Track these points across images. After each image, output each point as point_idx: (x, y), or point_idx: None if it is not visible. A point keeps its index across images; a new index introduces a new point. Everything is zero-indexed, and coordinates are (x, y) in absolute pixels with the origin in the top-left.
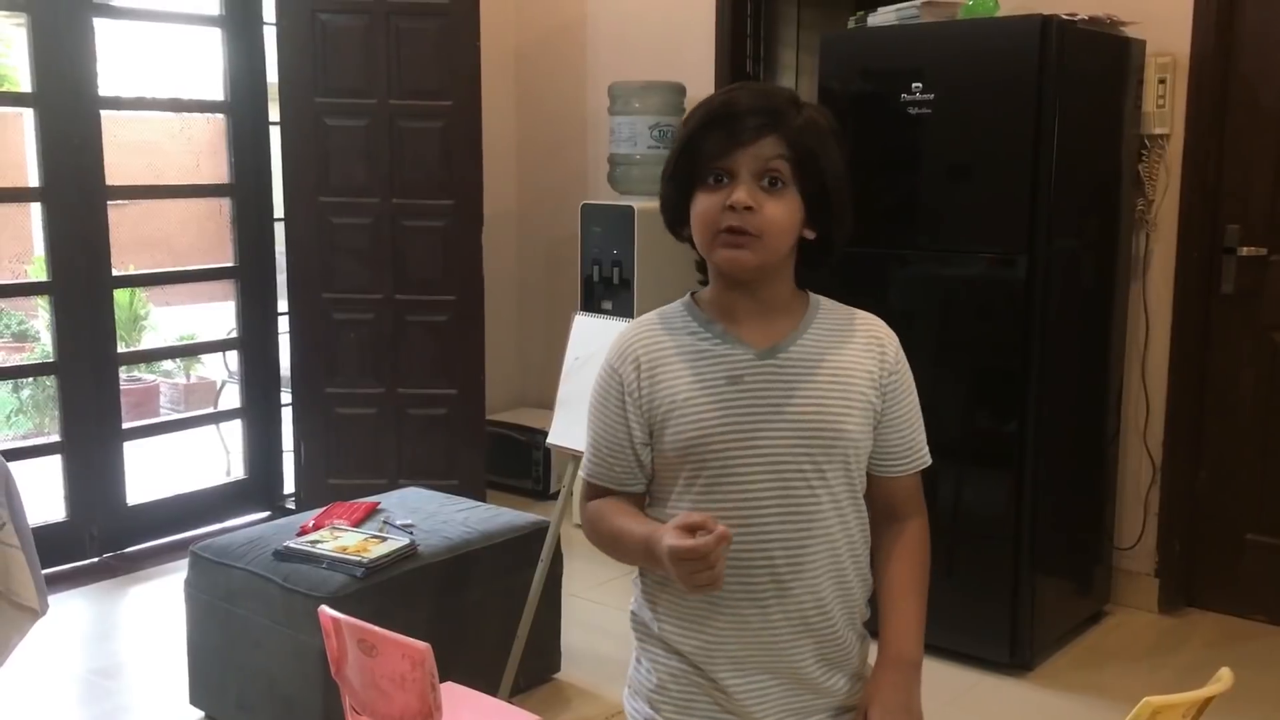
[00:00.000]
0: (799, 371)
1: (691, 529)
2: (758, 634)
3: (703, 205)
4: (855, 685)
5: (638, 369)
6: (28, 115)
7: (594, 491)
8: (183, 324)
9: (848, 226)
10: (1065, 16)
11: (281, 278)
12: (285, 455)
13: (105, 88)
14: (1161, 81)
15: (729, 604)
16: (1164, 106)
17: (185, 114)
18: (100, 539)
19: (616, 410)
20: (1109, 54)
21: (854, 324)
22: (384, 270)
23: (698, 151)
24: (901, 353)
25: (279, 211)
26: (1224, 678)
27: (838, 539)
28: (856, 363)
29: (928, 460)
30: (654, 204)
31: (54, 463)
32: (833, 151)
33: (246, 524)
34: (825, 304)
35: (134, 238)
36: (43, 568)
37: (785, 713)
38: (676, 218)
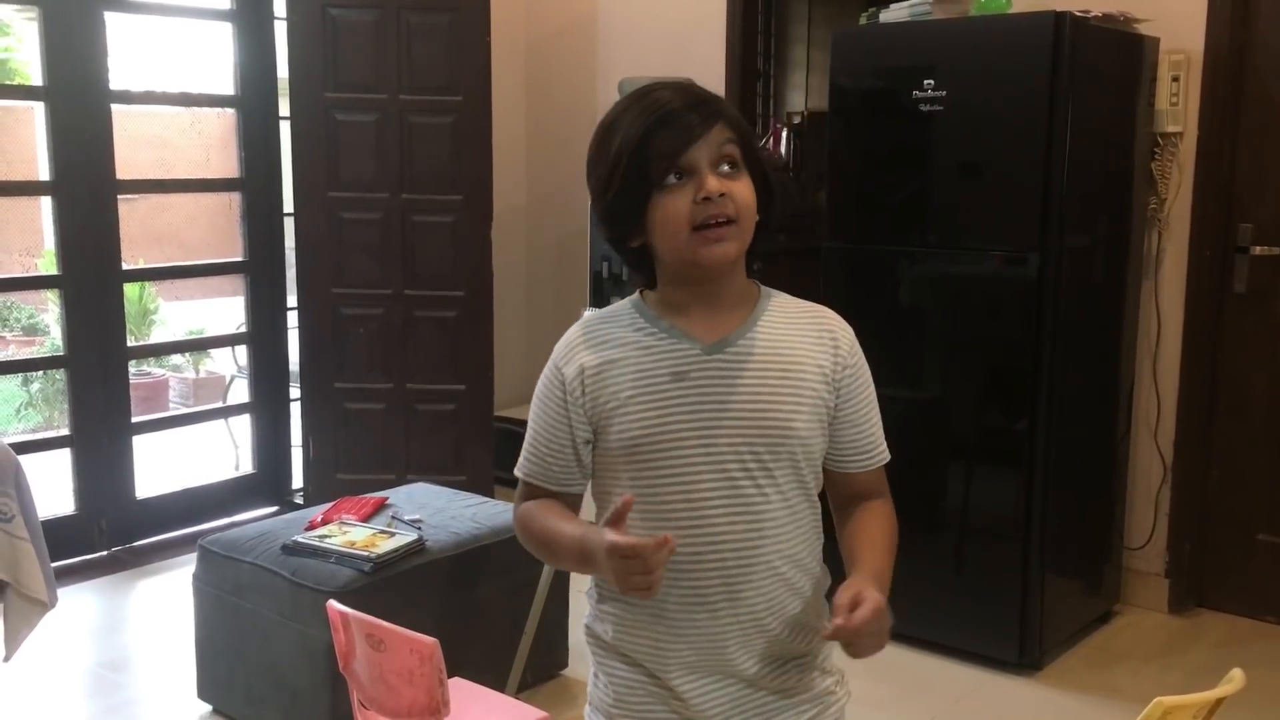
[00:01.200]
0: (747, 366)
1: (622, 516)
2: (710, 638)
3: (669, 206)
4: (817, 679)
5: (581, 368)
6: (38, 109)
7: (530, 492)
8: (192, 319)
9: (779, 209)
10: (1078, 13)
11: (291, 273)
12: (294, 450)
13: (116, 82)
14: (1175, 79)
15: (679, 608)
16: (1177, 104)
17: (196, 108)
18: (109, 532)
19: (558, 409)
20: (1122, 51)
21: (806, 316)
22: (393, 265)
23: (648, 156)
24: (856, 346)
25: (289, 206)
26: (1235, 678)
27: (789, 539)
28: (808, 357)
29: (887, 456)
30: None
31: (63, 456)
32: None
33: (255, 518)
34: (777, 296)
35: (144, 232)
36: (52, 561)
37: (744, 713)
38: (627, 231)
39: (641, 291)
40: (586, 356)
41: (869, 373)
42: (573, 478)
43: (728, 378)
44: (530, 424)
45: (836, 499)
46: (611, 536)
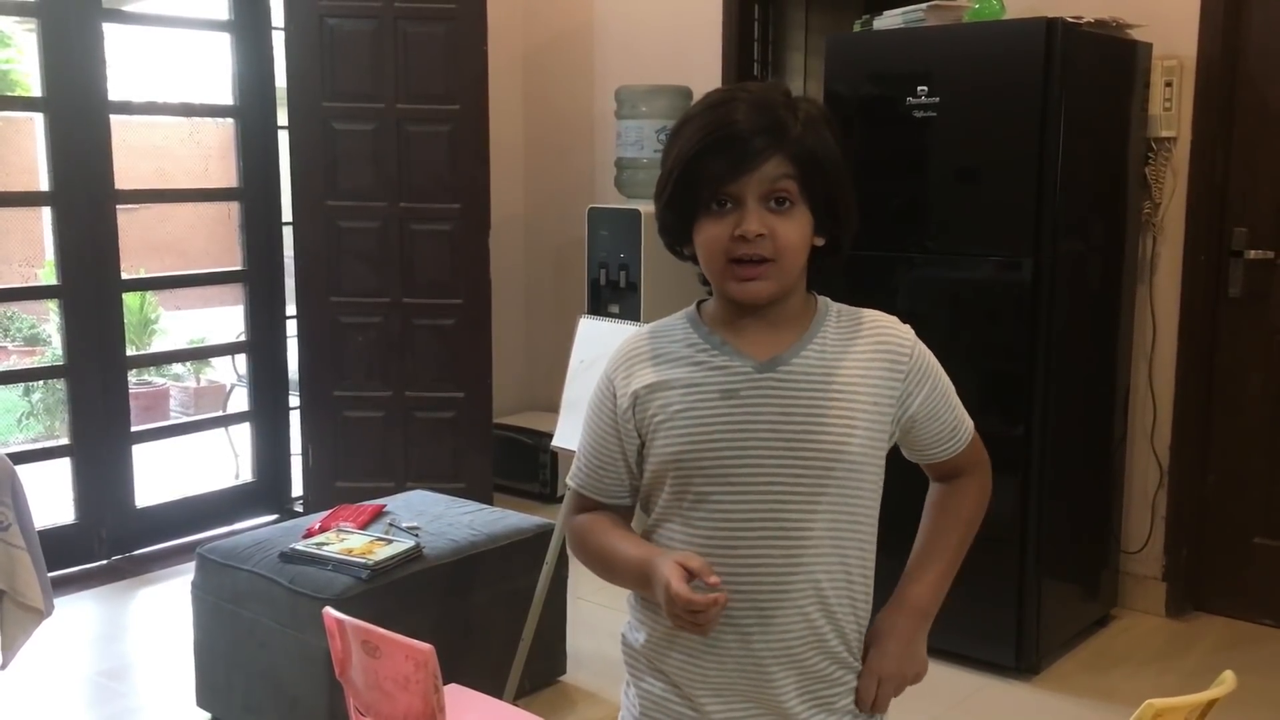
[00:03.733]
0: (800, 386)
1: (690, 573)
2: (739, 661)
3: (709, 234)
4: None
5: (630, 378)
6: (38, 120)
7: (581, 503)
8: (193, 328)
9: (854, 225)
10: (1071, 19)
11: (290, 281)
12: (294, 458)
13: (115, 92)
14: (1168, 84)
15: (708, 641)
16: (1170, 109)
17: (194, 118)
18: (109, 541)
19: (609, 420)
20: (1115, 57)
21: (863, 330)
22: (391, 274)
23: (698, 176)
24: (918, 346)
25: (287, 215)
26: (1227, 680)
27: (829, 569)
28: (864, 375)
29: (970, 428)
30: None
31: (64, 465)
32: (832, 147)
33: (255, 527)
34: (835, 309)
35: (144, 242)
36: (52, 570)
37: None
38: (678, 240)
39: (699, 304)
40: (638, 369)
41: (936, 365)
42: (624, 490)
43: (779, 398)
44: (582, 435)
45: (933, 477)
46: (675, 583)
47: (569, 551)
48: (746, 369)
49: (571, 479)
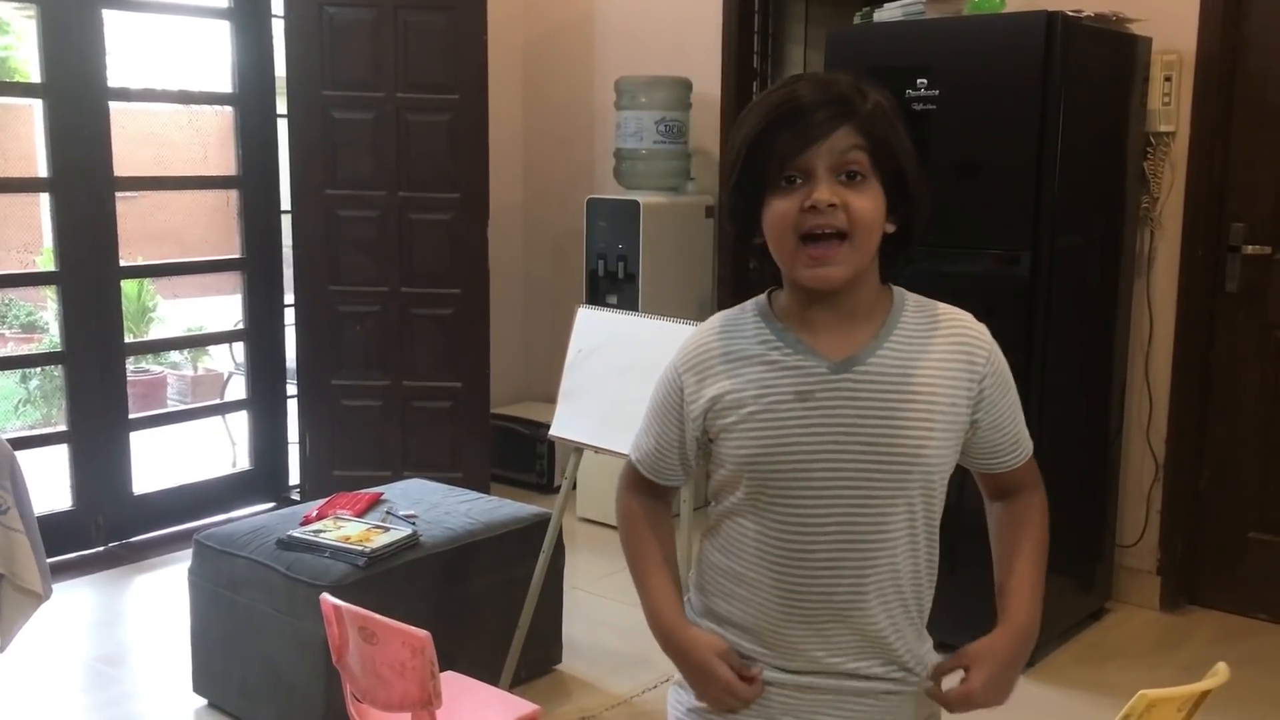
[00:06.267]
0: (876, 387)
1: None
2: (812, 655)
3: (779, 210)
4: (922, 708)
5: (702, 383)
6: (37, 106)
7: (635, 476)
8: (191, 317)
9: (925, 212)
10: (1070, 13)
11: (288, 270)
12: (291, 447)
13: (114, 79)
14: (1167, 79)
15: (783, 624)
16: (1169, 104)
17: (193, 106)
18: (106, 528)
19: (673, 413)
20: (1115, 51)
21: (940, 326)
22: (390, 263)
23: (765, 153)
24: (995, 351)
25: (286, 204)
26: (1220, 672)
27: (903, 569)
28: (942, 374)
29: (1030, 447)
30: (659, 198)
31: (61, 452)
32: (903, 134)
33: (252, 514)
34: (911, 302)
35: (142, 229)
36: (49, 556)
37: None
38: (747, 227)
39: (771, 293)
40: (710, 374)
41: (1009, 373)
42: (676, 475)
43: (855, 400)
44: (647, 415)
45: (988, 493)
46: (737, 686)
47: (616, 521)
48: (821, 369)
49: (632, 450)
